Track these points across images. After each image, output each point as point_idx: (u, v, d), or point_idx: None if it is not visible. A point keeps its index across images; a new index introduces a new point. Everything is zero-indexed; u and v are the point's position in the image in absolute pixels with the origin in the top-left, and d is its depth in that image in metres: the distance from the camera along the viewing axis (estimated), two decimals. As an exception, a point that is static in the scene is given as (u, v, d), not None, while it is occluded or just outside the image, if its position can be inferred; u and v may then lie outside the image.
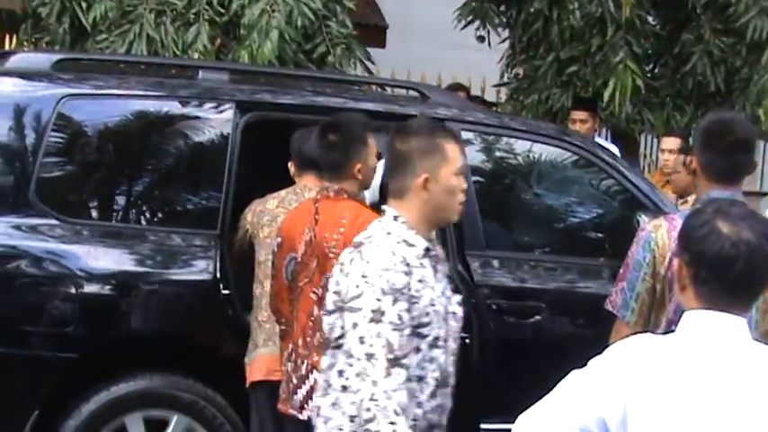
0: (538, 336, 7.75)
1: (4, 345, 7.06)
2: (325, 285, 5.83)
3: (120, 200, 7.72)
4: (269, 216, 7.14)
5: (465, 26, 13.19)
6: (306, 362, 6.02)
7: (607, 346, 3.79)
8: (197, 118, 7.77)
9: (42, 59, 7.88)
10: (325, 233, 6.24)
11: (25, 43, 12.23)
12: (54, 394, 7.07)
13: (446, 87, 12.79)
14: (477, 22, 13.12)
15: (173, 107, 7.81)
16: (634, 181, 8.35)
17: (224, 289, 7.25)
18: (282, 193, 7.26)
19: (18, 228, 7.16)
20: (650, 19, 11.80)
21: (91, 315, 7.22)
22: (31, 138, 7.28)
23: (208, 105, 7.77)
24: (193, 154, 7.79)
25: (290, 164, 7.36)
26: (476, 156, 8.12)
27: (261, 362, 6.99)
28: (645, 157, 16.58)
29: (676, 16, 11.81)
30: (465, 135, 7.89)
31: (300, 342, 6.23)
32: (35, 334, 7.17)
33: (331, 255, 6.13)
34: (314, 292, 6.24)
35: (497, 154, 8.43)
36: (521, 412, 3.57)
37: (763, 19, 11.02)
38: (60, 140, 7.40)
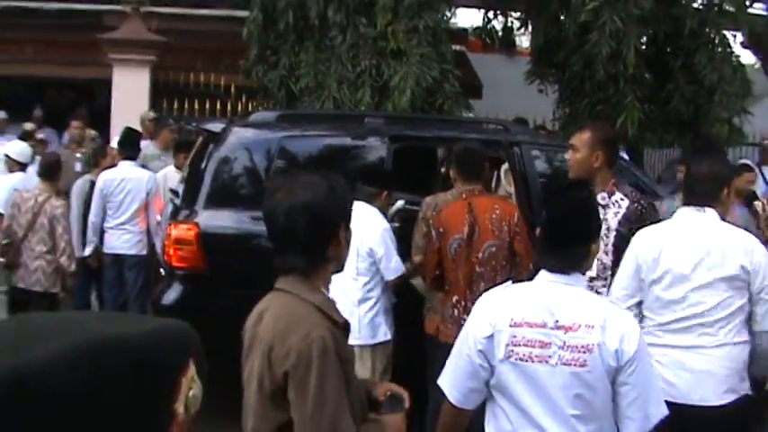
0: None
1: (259, 290, 7.10)
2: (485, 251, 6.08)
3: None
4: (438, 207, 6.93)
5: (531, 83, 13.17)
6: (469, 305, 5.44)
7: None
8: (364, 146, 7.82)
9: (270, 115, 8.06)
10: (485, 216, 6.20)
11: (260, 107, 12.41)
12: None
13: (513, 120, 12.85)
14: (537, 81, 13.14)
15: (348, 141, 7.89)
16: (642, 177, 8.36)
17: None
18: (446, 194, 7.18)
19: (255, 218, 7.16)
20: (646, 75, 11.69)
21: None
22: (264, 162, 7.37)
23: (371, 139, 7.78)
24: (361, 168, 7.61)
25: (450, 171, 7.07)
26: (541, 165, 8.13)
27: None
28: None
29: (662, 73, 11.71)
30: (534, 152, 7.94)
31: (467, 293, 6.08)
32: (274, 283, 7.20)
33: (492, 229, 6.17)
34: (476, 258, 6.17)
35: (555, 164, 8.39)
36: None
37: (714, 73, 11.00)
38: (281, 163, 7.41)
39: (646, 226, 4.97)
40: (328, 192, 3.02)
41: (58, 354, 1.06)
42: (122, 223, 9.47)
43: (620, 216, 5.24)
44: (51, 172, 9.09)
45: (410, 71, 10.78)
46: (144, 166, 10.32)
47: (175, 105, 14.99)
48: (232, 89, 15.25)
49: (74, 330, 1.13)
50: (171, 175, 10.10)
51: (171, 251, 7.17)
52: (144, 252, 9.54)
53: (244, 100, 14.88)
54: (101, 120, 13.48)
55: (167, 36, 14.57)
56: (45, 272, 8.87)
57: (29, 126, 13.04)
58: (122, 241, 9.50)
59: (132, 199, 9.44)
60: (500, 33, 14.88)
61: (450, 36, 12.21)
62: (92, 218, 9.50)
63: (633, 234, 4.95)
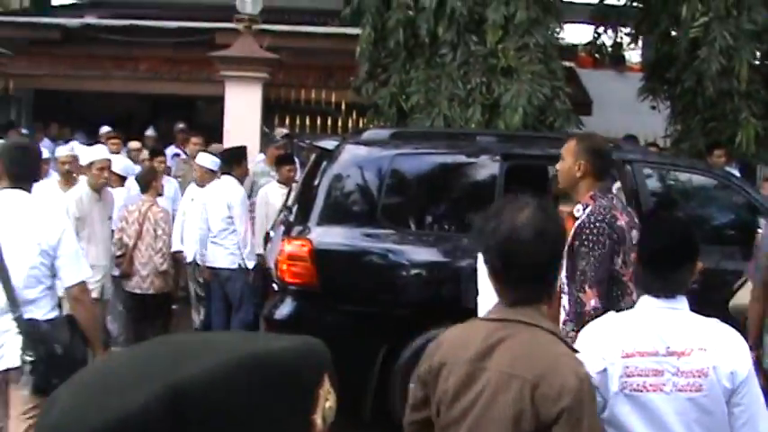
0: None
1: (371, 306, 7.25)
2: None
3: (429, 216, 7.67)
4: None
5: (643, 99, 13.06)
6: None
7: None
8: (476, 164, 7.77)
9: (383, 133, 8.10)
10: None
11: (370, 124, 12.52)
12: (397, 336, 7.19)
13: (623, 137, 12.75)
14: (649, 97, 13.02)
15: (460, 158, 7.86)
16: (754, 195, 8.17)
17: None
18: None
19: (368, 235, 7.29)
20: (762, 91, 11.49)
21: (415, 287, 7.33)
22: (376, 180, 7.40)
23: (483, 157, 7.75)
24: (473, 186, 7.72)
25: None
26: (651, 182, 8.02)
27: None
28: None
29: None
30: (646, 170, 7.85)
31: None
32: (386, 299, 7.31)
33: None
34: None
35: (667, 182, 8.28)
36: None
37: None
38: (393, 180, 7.47)
39: (582, 244, 4.85)
40: (558, 218, 2.96)
41: (214, 369, 1.12)
42: (215, 236, 9.68)
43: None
44: (148, 183, 9.69)
45: (521, 89, 10.79)
46: (255, 183, 10.55)
47: (287, 122, 15.21)
48: (342, 106, 15.43)
49: (223, 347, 1.19)
50: (273, 190, 10.31)
51: (284, 266, 7.24)
52: (234, 266, 9.66)
53: (354, 117, 15.03)
54: (214, 136, 13.73)
55: (279, 53, 14.80)
56: (156, 274, 9.47)
57: (134, 145, 13.34)
58: (216, 255, 9.72)
59: (221, 212, 9.64)
60: (610, 49, 14.80)
61: (560, 52, 12.16)
62: (199, 231, 9.86)
63: (572, 249, 4.85)
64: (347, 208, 7.49)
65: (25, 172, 5.65)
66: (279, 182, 10.50)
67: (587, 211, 5.00)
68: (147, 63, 17.08)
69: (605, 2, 14.60)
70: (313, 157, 8.52)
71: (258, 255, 9.69)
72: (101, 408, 1.06)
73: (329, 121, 15.48)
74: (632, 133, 13.73)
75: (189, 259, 10.19)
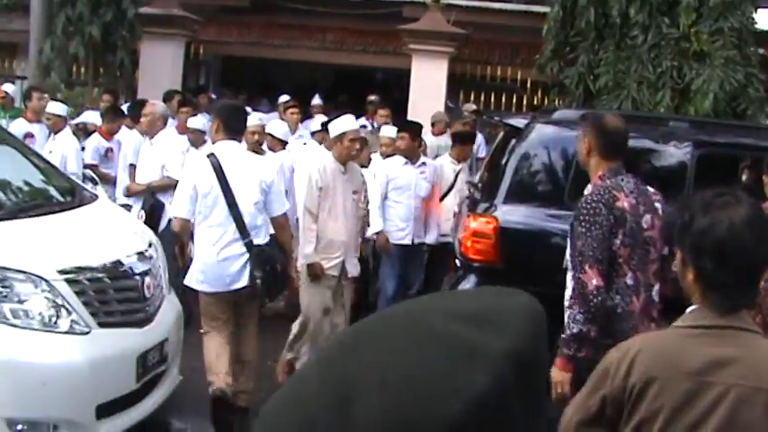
0: None
1: (553, 288, 7.19)
2: None
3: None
4: None
5: None
6: None
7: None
8: (667, 151, 7.60)
9: (572, 114, 8.03)
10: None
11: (554, 102, 12.50)
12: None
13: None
14: None
15: (651, 143, 7.67)
16: None
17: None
18: None
19: (554, 216, 7.18)
20: None
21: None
22: (565, 161, 7.30)
23: (674, 143, 7.57)
24: (663, 173, 7.49)
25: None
26: None
27: None
28: None
29: None
30: None
31: None
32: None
33: None
34: None
35: None
36: None
37: None
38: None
39: (580, 224, 4.86)
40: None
41: (522, 327, 1.05)
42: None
43: None
44: None
45: (713, 74, 10.58)
46: (437, 156, 10.64)
47: (471, 97, 15.28)
48: (528, 83, 15.40)
49: (510, 301, 1.11)
50: (446, 165, 10.28)
51: (468, 243, 7.29)
52: (406, 241, 9.58)
53: (539, 94, 14.99)
54: (399, 109, 13.89)
55: (465, 28, 14.85)
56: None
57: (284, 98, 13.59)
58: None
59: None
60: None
61: (755, 38, 11.83)
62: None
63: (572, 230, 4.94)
64: (534, 187, 7.47)
65: (239, 127, 7.07)
66: (452, 156, 10.36)
67: (586, 191, 5.07)
68: (334, 33, 17.38)
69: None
70: (501, 134, 8.55)
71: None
72: (443, 395, 0.96)
73: (514, 98, 15.47)
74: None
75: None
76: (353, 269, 7.96)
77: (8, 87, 14.07)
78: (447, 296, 1.14)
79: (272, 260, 6.74)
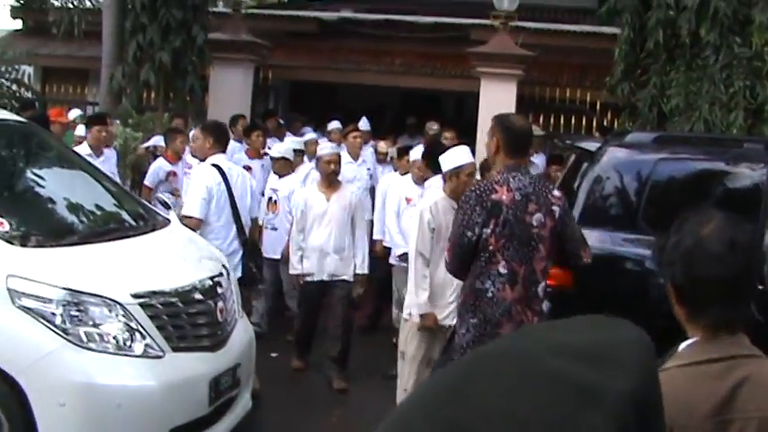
0: None
1: (627, 313, 7.05)
2: None
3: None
4: None
5: None
6: None
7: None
8: (741, 173, 7.49)
9: (646, 137, 7.98)
10: None
11: (625, 124, 12.40)
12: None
13: None
14: None
15: (725, 166, 7.57)
16: None
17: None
18: None
19: (627, 240, 7.20)
20: None
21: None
22: (638, 184, 7.29)
23: (748, 165, 7.45)
24: (737, 196, 7.43)
25: None
26: None
27: None
28: None
29: None
30: None
31: None
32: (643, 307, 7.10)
33: None
34: None
35: None
36: None
37: None
38: (655, 185, 7.31)
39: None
40: (748, 230, 2.70)
41: (638, 364, 1.00)
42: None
43: None
44: None
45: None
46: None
47: (540, 120, 15.20)
48: (597, 105, 15.31)
49: (619, 334, 1.06)
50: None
51: (541, 267, 7.29)
52: None
53: (609, 116, 14.89)
54: (467, 132, 13.85)
55: (533, 50, 14.80)
56: None
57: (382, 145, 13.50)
58: None
59: None
60: None
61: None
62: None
63: None
64: (607, 211, 7.43)
65: (226, 141, 8.62)
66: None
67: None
68: (402, 57, 17.41)
69: None
70: (573, 157, 8.50)
71: None
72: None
73: (583, 121, 15.38)
74: None
75: None
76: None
77: (74, 113, 14.31)
78: (552, 328, 1.07)
79: (256, 254, 8.43)
